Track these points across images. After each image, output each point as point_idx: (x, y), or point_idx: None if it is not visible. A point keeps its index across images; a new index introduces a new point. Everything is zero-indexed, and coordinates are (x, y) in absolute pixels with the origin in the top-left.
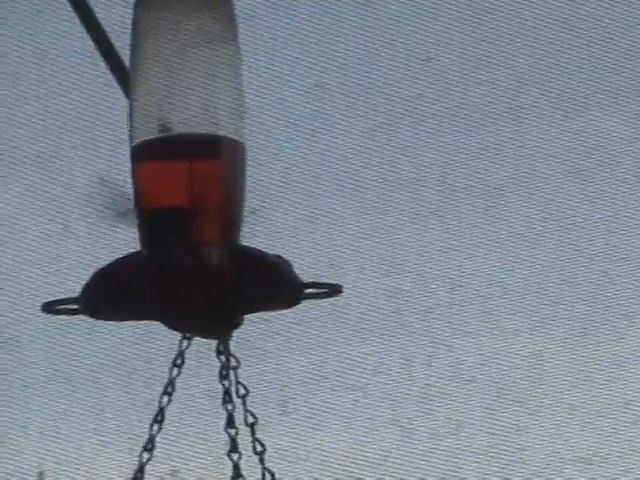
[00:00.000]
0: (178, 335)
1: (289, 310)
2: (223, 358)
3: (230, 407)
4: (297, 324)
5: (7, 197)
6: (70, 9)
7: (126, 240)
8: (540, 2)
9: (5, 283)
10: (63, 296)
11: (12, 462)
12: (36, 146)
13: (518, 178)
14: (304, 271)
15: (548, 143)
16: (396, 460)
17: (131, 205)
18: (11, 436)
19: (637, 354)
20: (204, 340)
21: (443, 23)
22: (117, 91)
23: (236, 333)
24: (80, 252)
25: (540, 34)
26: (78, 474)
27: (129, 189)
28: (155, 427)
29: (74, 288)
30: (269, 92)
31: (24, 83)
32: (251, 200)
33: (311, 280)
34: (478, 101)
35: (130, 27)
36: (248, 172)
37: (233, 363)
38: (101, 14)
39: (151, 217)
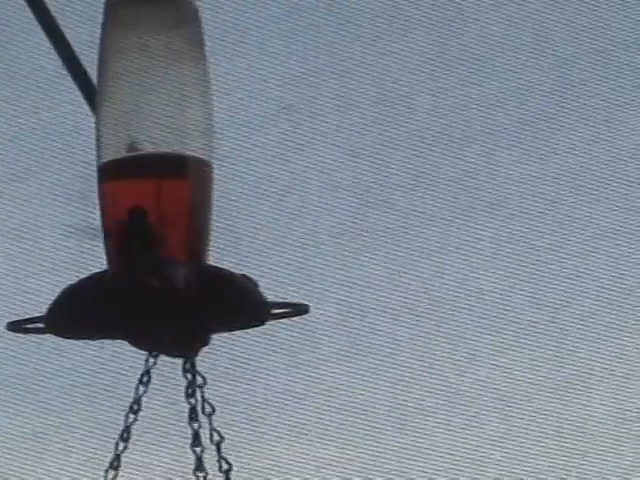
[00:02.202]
0: (144, 353)
1: (255, 329)
2: (189, 376)
3: (196, 425)
4: (264, 343)
5: None
6: (38, 27)
7: (94, 258)
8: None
9: None
10: (30, 315)
11: None
12: (4, 165)
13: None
14: (271, 291)
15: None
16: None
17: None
18: None
19: None
20: (171, 358)
21: (414, 43)
22: (86, 109)
23: (203, 352)
24: (47, 271)
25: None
26: None
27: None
28: (121, 445)
29: (41, 307)
30: (238, 111)
31: None
32: (217, 220)
33: (278, 300)
34: (448, 124)
35: (98, 45)
36: (216, 192)
37: (199, 381)
38: (68, 32)
39: (116, 235)
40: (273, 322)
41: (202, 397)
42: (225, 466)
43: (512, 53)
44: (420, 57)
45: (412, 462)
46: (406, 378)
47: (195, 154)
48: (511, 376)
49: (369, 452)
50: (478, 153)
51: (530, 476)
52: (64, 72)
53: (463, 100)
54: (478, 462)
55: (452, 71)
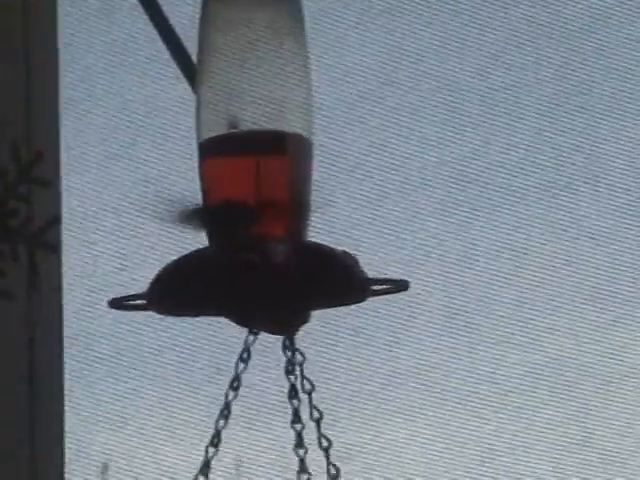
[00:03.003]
0: (245, 330)
1: (356, 306)
2: (289, 353)
3: (296, 402)
4: (364, 320)
5: (78, 193)
6: (138, 5)
7: (195, 236)
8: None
9: (75, 279)
10: (132, 292)
11: (78, 455)
12: (107, 142)
13: (588, 175)
14: (371, 267)
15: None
16: (463, 456)
17: (197, 207)
18: (79, 429)
19: None
20: (271, 335)
21: (513, 20)
22: (186, 86)
23: (303, 328)
24: (149, 248)
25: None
26: (144, 468)
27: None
28: (221, 422)
29: (143, 284)
30: (338, 87)
31: (94, 80)
32: (319, 196)
33: (378, 276)
34: (547, 99)
35: (198, 21)
36: (315, 168)
37: (299, 358)
38: (168, 8)
39: (217, 213)
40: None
41: (302, 374)
42: (325, 443)
43: None
44: (521, 32)
45: (512, 440)
46: (507, 355)
47: (295, 131)
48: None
49: (468, 430)
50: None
51: None
52: (164, 49)
53: (569, 78)
54: (582, 443)
55: (556, 45)
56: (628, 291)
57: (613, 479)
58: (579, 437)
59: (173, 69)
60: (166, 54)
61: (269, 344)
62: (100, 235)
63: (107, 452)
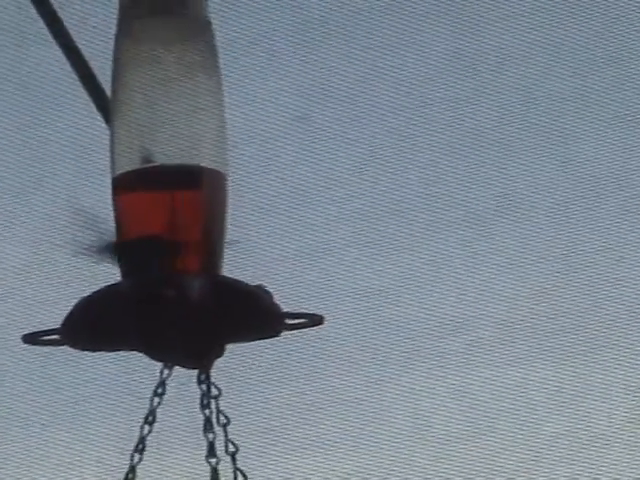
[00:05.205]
0: (159, 365)
1: (270, 340)
2: (204, 387)
3: (211, 436)
4: (279, 354)
5: None
6: (52, 40)
7: (108, 270)
8: (525, 32)
9: None
10: (45, 327)
11: None
12: (17, 176)
13: (503, 210)
14: (286, 302)
15: (533, 175)
16: None
17: (110, 240)
18: None
19: None
20: (185, 369)
21: (428, 55)
22: (100, 121)
23: (218, 362)
24: (63, 283)
25: (525, 65)
26: None
27: (108, 222)
28: (137, 456)
29: (56, 319)
30: (252, 122)
31: (5, 113)
32: (233, 231)
33: (293, 310)
34: (463, 133)
35: (111, 58)
36: (230, 203)
37: (214, 392)
38: (82, 44)
39: (131, 247)
40: (288, 333)
41: (217, 408)
42: (240, 477)
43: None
44: (435, 65)
45: (429, 473)
46: (422, 388)
47: (209, 165)
48: (530, 387)
49: (384, 463)
50: (493, 161)
51: None
52: (78, 85)
53: (478, 108)
54: (489, 468)
55: (467, 80)
56: None
57: None
58: None
59: (87, 103)
60: (80, 88)
61: (184, 378)
62: (10, 270)
63: None
